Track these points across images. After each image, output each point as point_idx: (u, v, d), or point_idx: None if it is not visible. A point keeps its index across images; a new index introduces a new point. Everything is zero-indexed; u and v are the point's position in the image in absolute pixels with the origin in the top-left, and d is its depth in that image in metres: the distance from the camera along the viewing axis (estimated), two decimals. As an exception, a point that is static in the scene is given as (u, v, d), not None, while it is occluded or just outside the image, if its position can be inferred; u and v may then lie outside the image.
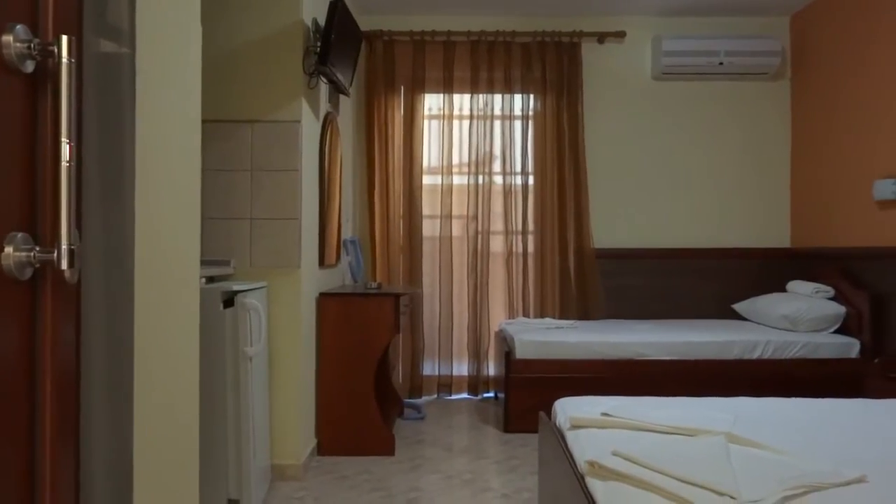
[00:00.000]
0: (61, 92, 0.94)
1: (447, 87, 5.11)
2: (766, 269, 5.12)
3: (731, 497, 1.50)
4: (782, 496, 1.52)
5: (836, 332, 4.28)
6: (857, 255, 4.33)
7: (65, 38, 0.95)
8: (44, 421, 0.99)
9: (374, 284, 4.14)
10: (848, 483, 1.62)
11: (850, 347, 4.14)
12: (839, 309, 4.28)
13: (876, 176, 4.12)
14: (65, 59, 0.94)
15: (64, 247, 0.94)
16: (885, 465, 1.78)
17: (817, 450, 1.92)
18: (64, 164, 0.95)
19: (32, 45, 0.94)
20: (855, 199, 4.36)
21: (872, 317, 4.13)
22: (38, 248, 0.95)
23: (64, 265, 0.95)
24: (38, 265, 0.95)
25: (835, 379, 4.02)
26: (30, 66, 0.95)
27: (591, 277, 5.07)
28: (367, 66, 5.08)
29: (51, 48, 0.95)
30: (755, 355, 4.13)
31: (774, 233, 5.20)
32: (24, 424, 0.96)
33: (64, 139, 0.95)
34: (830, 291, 4.41)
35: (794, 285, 4.67)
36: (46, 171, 0.99)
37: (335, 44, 3.45)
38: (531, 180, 5.15)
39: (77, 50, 1.03)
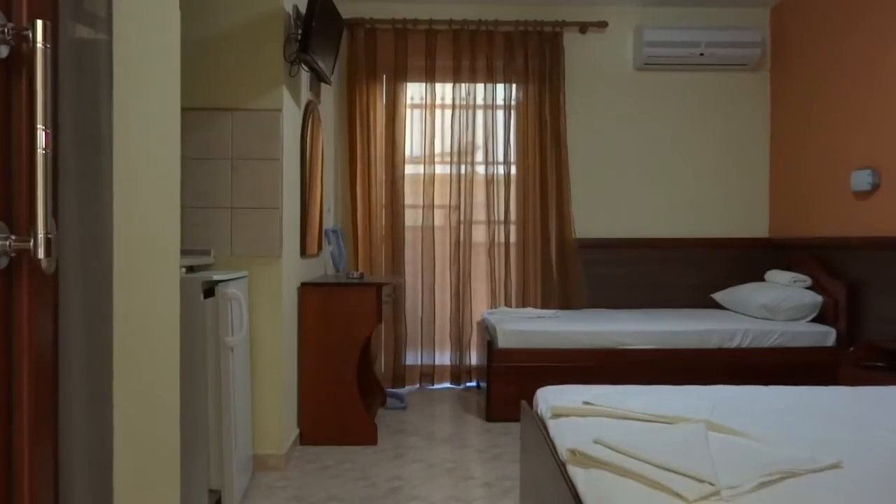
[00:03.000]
0: (37, 78, 0.93)
1: (429, 75, 5.09)
2: (745, 259, 5.18)
3: (710, 484, 1.52)
4: (759, 482, 1.55)
5: (813, 320, 4.34)
6: (834, 245, 4.39)
7: (40, 23, 0.93)
8: (21, 411, 0.97)
9: (356, 274, 4.13)
10: (823, 469, 1.65)
11: (827, 336, 4.20)
12: (816, 298, 4.34)
13: (853, 167, 4.18)
14: (40, 45, 0.92)
15: (40, 235, 0.93)
16: (859, 452, 1.81)
17: (794, 437, 1.95)
18: (40, 152, 0.94)
19: (6, 30, 0.92)
20: (833, 189, 4.41)
21: (848, 306, 4.19)
22: (13, 237, 0.93)
23: (41, 254, 0.93)
24: (13, 254, 0.94)
25: (811, 367, 4.08)
26: (4, 52, 0.93)
27: (573, 267, 5.10)
28: (349, 54, 5.05)
29: (25, 33, 0.94)
30: (734, 344, 4.18)
31: (753, 223, 5.25)
32: (1, 415, 0.94)
33: (40, 126, 0.93)
34: (808, 281, 4.47)
35: (773, 275, 4.73)
36: (22, 159, 0.97)
37: (316, 31, 3.41)
38: (513, 170, 5.16)
39: (53, 35, 1.01)
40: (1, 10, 0.92)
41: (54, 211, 1.00)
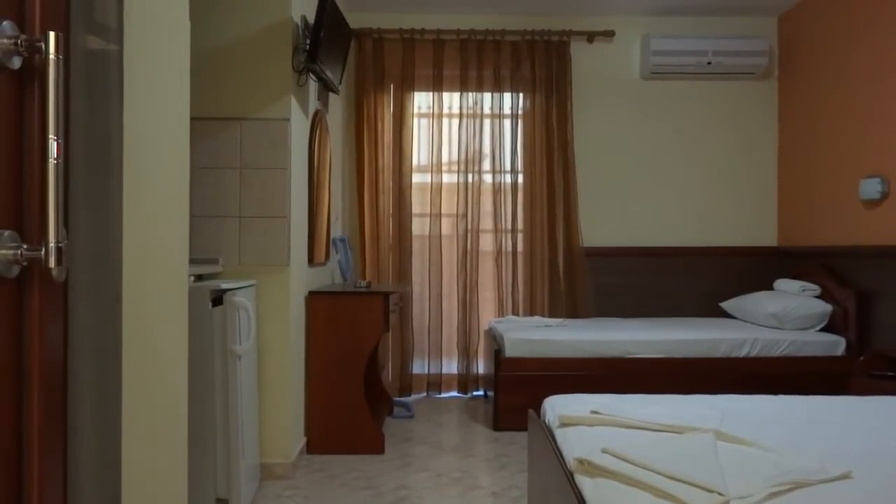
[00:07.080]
0: (49, 89, 0.94)
1: (437, 85, 5.11)
2: (754, 268, 5.15)
3: (719, 494, 1.51)
4: (769, 492, 1.54)
5: (823, 329, 4.31)
6: (843, 254, 4.37)
7: (52, 35, 0.94)
8: (31, 420, 0.98)
9: (363, 283, 4.13)
10: (834, 479, 1.64)
11: (836, 345, 4.17)
12: (825, 307, 4.31)
13: (862, 175, 4.16)
14: (52, 56, 0.93)
15: (51, 244, 0.93)
16: (870, 462, 1.80)
17: (804, 447, 1.94)
18: (51, 162, 0.94)
19: (19, 42, 0.93)
20: (841, 198, 4.39)
21: (858, 315, 4.16)
22: (25, 246, 0.94)
23: (51, 263, 0.94)
24: (25, 263, 0.95)
25: (821, 376, 4.05)
26: (17, 63, 0.94)
27: (580, 275, 5.09)
28: (357, 63, 5.07)
29: (38, 44, 0.95)
30: (742, 353, 4.16)
31: (762, 231, 5.23)
32: (11, 423, 0.95)
33: (51, 136, 0.94)
34: (817, 290, 4.44)
35: (781, 283, 4.71)
36: (33, 169, 0.98)
37: (324, 41, 3.43)
38: (520, 179, 5.16)
39: (65, 46, 1.02)
40: (14, 23, 0.93)
41: (65, 220, 1.00)
